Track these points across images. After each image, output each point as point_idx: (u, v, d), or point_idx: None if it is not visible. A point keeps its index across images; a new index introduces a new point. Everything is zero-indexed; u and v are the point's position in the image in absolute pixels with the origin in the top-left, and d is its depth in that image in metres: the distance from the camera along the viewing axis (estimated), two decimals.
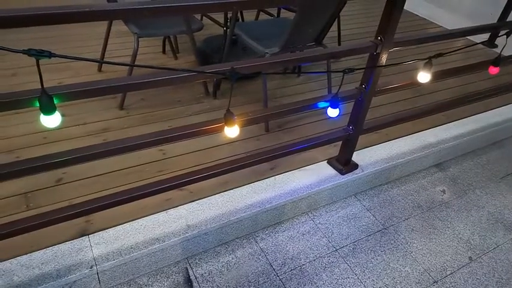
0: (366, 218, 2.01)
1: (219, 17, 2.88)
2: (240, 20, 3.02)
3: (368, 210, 2.06)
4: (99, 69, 2.61)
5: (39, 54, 0.95)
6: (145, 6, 1.10)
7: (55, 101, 1.07)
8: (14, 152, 1.89)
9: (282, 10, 3.01)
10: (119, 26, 2.54)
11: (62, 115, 2.24)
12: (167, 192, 1.74)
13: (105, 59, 2.55)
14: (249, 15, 3.26)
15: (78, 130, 2.08)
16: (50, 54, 0.96)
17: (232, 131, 1.36)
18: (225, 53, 2.43)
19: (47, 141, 1.98)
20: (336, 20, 2.89)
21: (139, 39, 2.19)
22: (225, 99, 2.47)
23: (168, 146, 2.03)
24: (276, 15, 3.10)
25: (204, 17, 3.23)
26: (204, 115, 2.31)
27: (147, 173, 1.86)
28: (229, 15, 2.62)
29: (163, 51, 2.90)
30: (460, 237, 1.97)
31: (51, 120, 1.05)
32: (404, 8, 1.56)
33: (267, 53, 2.10)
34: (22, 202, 1.65)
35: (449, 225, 2.03)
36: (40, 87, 1.01)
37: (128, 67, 2.31)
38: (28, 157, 1.25)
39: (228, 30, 2.47)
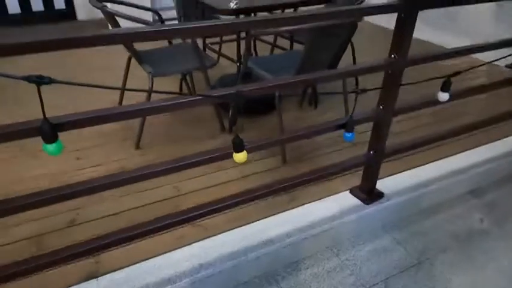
0: (397, 252, 1.84)
1: (234, 53, 2.92)
2: (254, 55, 3.06)
3: (399, 244, 1.88)
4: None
5: (39, 80, 0.94)
6: (149, 30, 1.10)
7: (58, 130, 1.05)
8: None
9: (295, 44, 3.03)
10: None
11: (77, 159, 2.24)
12: (180, 230, 1.66)
13: (124, 97, 2.60)
14: (263, 51, 3.30)
15: (94, 172, 2.07)
16: (50, 80, 0.95)
17: (240, 157, 1.31)
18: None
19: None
20: (351, 46, 2.87)
21: (154, 78, 2.22)
22: (242, 135, 2.42)
23: (182, 183, 1.98)
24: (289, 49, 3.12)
25: (220, 58, 3.30)
26: None
27: (162, 211, 1.78)
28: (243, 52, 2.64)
29: (180, 92, 2.93)
30: (506, 271, 1.75)
31: (53, 149, 1.03)
32: None
33: None
34: (33, 246, 1.60)
35: (492, 257, 1.82)
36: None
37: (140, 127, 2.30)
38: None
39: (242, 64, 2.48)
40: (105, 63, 3.24)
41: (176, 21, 2.96)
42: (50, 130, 1.01)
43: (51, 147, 1.02)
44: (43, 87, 0.94)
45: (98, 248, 1.35)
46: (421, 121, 2.56)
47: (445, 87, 1.64)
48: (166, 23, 2.35)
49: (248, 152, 1.37)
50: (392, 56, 1.54)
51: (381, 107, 1.65)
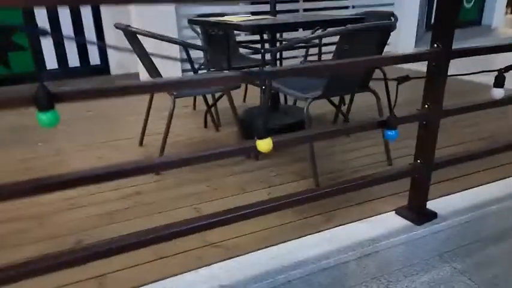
0: (461, 283, 1.50)
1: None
2: None
3: (462, 274, 1.55)
4: (140, 144, 2.55)
5: (37, 30, 0.85)
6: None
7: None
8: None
9: None
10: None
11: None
12: (198, 249, 1.44)
13: (146, 132, 2.51)
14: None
15: (111, 193, 1.92)
16: (44, 32, 0.85)
17: (264, 144, 1.13)
18: (264, 111, 2.29)
19: (73, 206, 1.82)
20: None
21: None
22: (268, 160, 2.24)
23: (203, 204, 1.78)
24: None
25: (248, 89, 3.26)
26: (245, 175, 2.07)
27: None
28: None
29: (205, 126, 2.84)
30: None
31: (49, 118, 0.90)
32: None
33: (308, 98, 1.93)
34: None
35: None
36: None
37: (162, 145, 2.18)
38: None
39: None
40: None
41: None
42: (45, 96, 0.88)
43: (45, 116, 0.89)
44: None
45: (100, 254, 1.15)
46: (469, 136, 2.30)
47: (497, 83, 1.45)
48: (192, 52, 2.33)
49: (274, 146, 1.19)
50: (435, 45, 1.38)
51: (427, 105, 1.45)
